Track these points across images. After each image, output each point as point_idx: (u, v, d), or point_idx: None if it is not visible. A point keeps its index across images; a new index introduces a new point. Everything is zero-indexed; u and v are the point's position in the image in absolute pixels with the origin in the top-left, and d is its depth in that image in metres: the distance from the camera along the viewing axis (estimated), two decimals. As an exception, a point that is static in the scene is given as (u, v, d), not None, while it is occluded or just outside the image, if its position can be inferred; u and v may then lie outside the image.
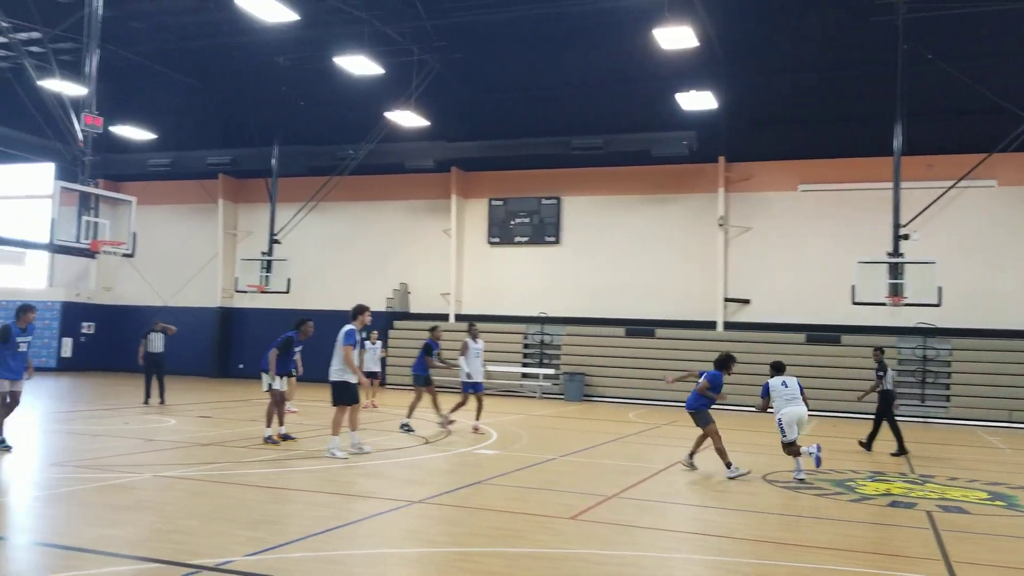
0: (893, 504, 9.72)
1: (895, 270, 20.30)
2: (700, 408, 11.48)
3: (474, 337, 15.23)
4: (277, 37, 24.87)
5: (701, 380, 11.51)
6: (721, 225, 25.42)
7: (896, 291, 20.15)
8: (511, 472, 10.97)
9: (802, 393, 11.38)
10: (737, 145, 25.50)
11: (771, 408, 11.42)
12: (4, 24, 18.03)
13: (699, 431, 11.52)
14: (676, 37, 18.29)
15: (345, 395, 11.62)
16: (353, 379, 11.59)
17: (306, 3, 21.20)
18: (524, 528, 7.73)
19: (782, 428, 11.18)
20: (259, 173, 28.78)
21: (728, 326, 25.36)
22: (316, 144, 27.81)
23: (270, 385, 13.00)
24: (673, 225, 26.29)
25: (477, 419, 15.18)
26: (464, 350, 15.06)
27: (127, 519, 7.51)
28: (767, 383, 11.49)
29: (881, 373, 14.69)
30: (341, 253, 29.57)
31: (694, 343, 24.73)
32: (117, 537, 6.82)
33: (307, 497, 8.99)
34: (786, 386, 11.33)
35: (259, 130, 27.73)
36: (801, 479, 10.95)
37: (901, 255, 20.56)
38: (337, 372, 11.59)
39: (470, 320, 18.47)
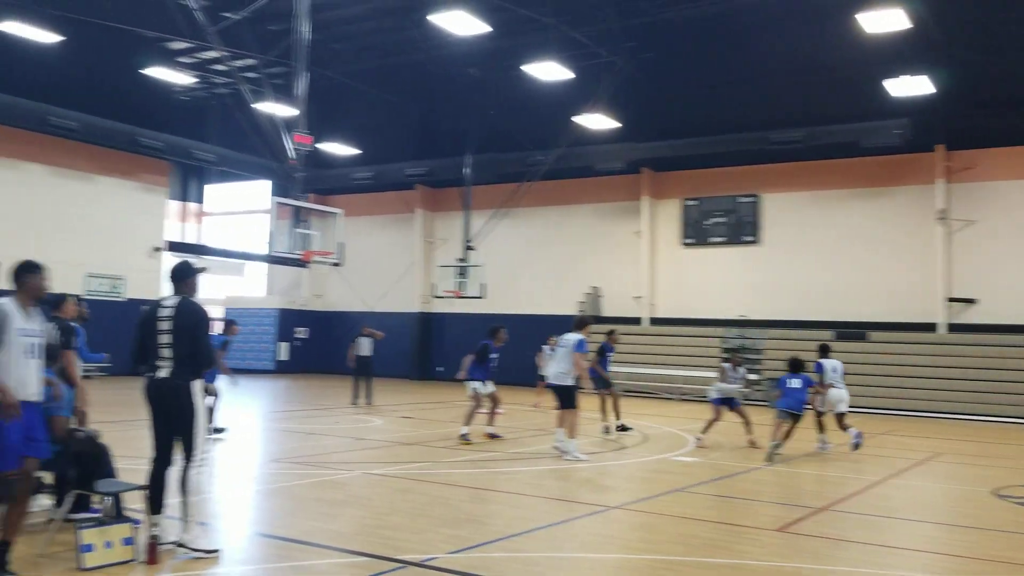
0: None
1: None
2: None
3: (735, 366, 14.44)
4: (469, 49, 25.56)
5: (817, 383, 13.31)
6: (941, 219, 23.50)
7: None
8: (712, 480, 10.60)
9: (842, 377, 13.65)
10: (958, 132, 23.44)
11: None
12: (224, 53, 19.56)
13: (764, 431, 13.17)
14: (884, 20, 17.16)
15: (571, 398, 11.84)
16: (574, 382, 11.85)
17: (496, 14, 21.62)
18: (727, 539, 7.40)
19: (830, 402, 13.32)
20: (453, 182, 29.67)
21: (952, 328, 23.37)
22: (507, 151, 28.31)
23: (475, 390, 13.67)
24: (885, 220, 24.58)
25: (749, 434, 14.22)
26: (722, 376, 14.37)
27: (338, 513, 7.85)
28: (820, 362, 13.60)
29: None
30: (533, 258, 29.91)
31: (912, 346, 23.04)
32: (329, 530, 7.13)
33: (506, 498, 9.06)
34: (836, 371, 13.45)
35: (453, 140, 28.60)
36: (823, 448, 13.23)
37: None
38: (562, 376, 11.86)
39: (733, 352, 18.18)
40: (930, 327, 23.57)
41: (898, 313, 24.02)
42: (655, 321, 27.41)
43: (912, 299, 23.91)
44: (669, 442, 14.40)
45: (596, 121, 24.30)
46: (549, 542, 7.12)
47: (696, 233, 27.22)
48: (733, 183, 26.69)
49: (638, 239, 27.83)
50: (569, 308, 28.33)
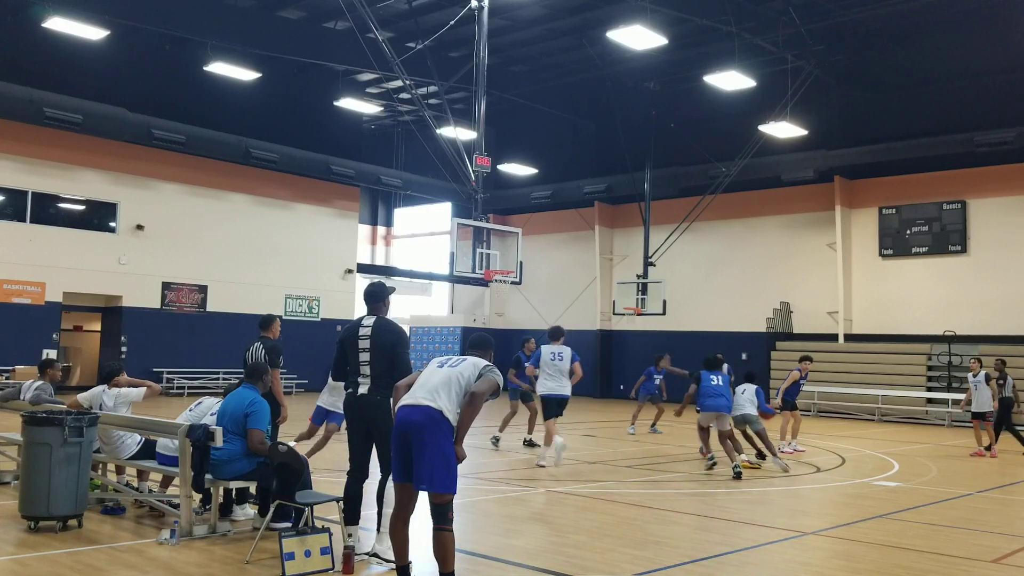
0: None
1: None
2: None
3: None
4: (646, 63, 25.35)
5: None
6: None
7: None
8: (917, 507, 9.82)
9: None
10: None
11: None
12: (408, 82, 20.38)
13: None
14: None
15: None
16: None
17: (675, 26, 21.29)
18: (936, 569, 6.80)
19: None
20: (632, 198, 29.39)
21: None
22: (688, 164, 27.77)
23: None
24: (1113, 224, 22.15)
25: None
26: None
27: (523, 530, 7.86)
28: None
29: (1002, 382, 15.54)
30: (716, 273, 29.08)
31: None
32: (515, 547, 7.15)
33: (691, 520, 8.76)
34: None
35: (631, 156, 28.37)
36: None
37: None
38: None
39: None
40: None
41: None
42: (851, 338, 25.93)
43: None
44: (870, 466, 13.51)
45: (782, 129, 23.37)
46: (739, 567, 6.79)
47: (896, 243, 25.54)
48: (936, 189, 24.86)
49: (831, 251, 26.46)
50: (757, 325, 27.35)
